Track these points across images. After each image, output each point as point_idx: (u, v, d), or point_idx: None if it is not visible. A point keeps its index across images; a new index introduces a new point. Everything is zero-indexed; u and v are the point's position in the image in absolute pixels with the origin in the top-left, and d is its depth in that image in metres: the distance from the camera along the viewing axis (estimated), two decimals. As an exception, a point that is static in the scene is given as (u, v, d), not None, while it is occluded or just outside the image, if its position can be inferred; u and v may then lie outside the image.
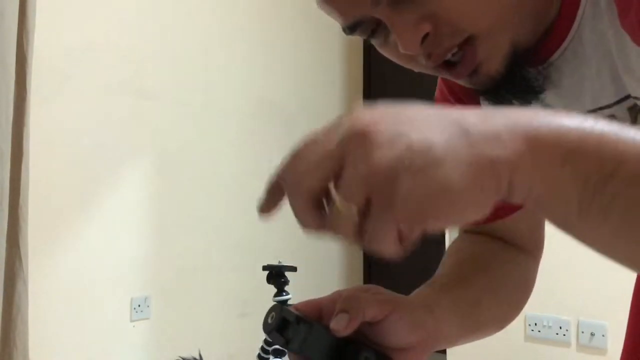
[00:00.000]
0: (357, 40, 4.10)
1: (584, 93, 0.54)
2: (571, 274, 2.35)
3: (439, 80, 0.72)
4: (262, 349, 1.83)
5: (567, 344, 2.42)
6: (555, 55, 0.53)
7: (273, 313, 0.48)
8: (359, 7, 0.51)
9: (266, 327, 0.48)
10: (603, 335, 2.30)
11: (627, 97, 0.51)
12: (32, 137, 2.08)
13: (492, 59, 0.50)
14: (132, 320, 2.59)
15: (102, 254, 2.49)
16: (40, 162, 2.19)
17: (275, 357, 1.77)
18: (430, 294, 0.57)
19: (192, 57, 2.91)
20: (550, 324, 2.46)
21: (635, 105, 0.52)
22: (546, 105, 0.58)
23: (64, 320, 2.35)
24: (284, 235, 3.30)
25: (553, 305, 2.46)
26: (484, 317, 0.60)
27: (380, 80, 3.93)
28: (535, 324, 2.49)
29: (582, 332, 2.37)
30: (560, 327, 2.43)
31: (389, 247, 0.36)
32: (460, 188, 0.34)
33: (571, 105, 0.55)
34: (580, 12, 0.50)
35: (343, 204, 0.35)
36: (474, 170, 0.34)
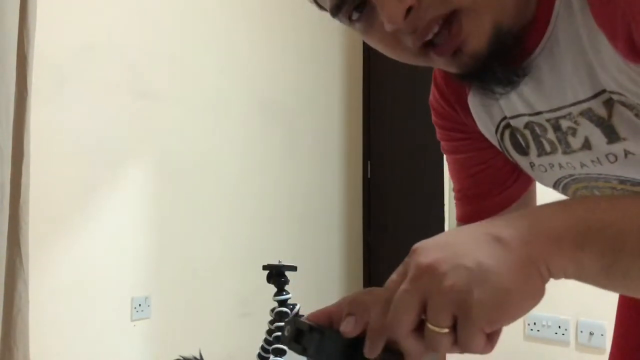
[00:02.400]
0: (358, 41, 4.11)
1: (563, 88, 0.57)
2: (570, 273, 2.35)
3: (432, 87, 0.74)
4: (262, 348, 1.84)
5: (566, 344, 2.43)
6: (535, 53, 0.56)
7: (288, 326, 0.52)
8: None
9: (284, 340, 0.52)
10: (602, 335, 2.31)
11: (603, 91, 0.55)
12: (33, 137, 2.08)
13: (476, 37, 0.51)
14: (132, 320, 2.59)
15: (102, 253, 2.49)
16: (40, 162, 2.20)
17: (276, 356, 1.77)
18: None
19: (193, 57, 2.91)
20: (549, 324, 2.46)
21: (610, 99, 0.55)
22: (530, 100, 0.61)
23: (65, 320, 2.35)
24: (284, 235, 3.30)
25: (552, 304, 2.46)
26: None
27: (379, 80, 3.94)
28: (535, 324, 2.49)
29: (581, 332, 2.38)
30: (560, 327, 2.44)
31: (481, 349, 0.44)
32: (515, 287, 0.43)
33: (553, 99, 0.59)
34: (554, 14, 0.53)
35: (435, 327, 0.43)
36: (519, 270, 0.43)
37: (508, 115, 0.66)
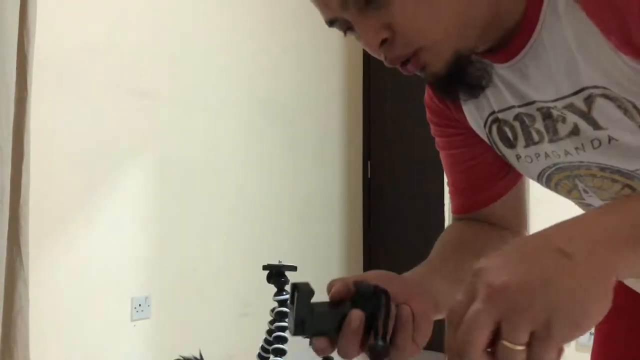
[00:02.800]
0: (358, 43, 4.10)
1: (549, 85, 0.64)
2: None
3: (426, 86, 0.80)
4: (262, 348, 1.83)
5: (566, 344, 2.42)
6: (521, 54, 0.64)
7: (289, 319, 0.59)
8: (332, 9, 0.63)
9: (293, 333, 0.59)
10: (602, 335, 2.30)
11: (583, 89, 0.61)
12: (33, 136, 2.08)
13: (434, 64, 0.62)
14: (132, 320, 2.59)
15: (102, 253, 2.49)
16: (40, 162, 2.20)
17: (276, 357, 1.77)
18: (422, 272, 0.71)
19: (193, 57, 2.91)
20: (549, 324, 2.46)
21: (590, 95, 0.61)
22: (520, 91, 0.67)
23: (65, 320, 2.35)
24: (284, 235, 3.30)
25: (552, 304, 2.46)
26: None
27: (379, 81, 3.93)
28: (535, 324, 2.49)
29: (582, 332, 2.38)
30: (560, 327, 2.44)
31: None
32: (592, 300, 0.44)
33: (540, 93, 0.65)
34: (540, 19, 0.61)
35: (511, 344, 0.45)
36: (593, 283, 0.45)
37: (497, 109, 0.72)
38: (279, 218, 3.30)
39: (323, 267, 3.55)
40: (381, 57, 0.65)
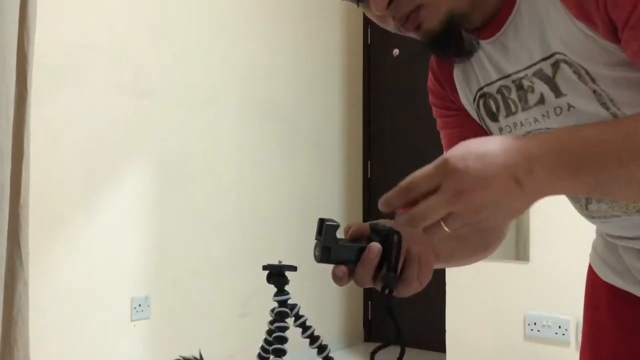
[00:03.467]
0: (358, 41, 4.11)
1: (523, 53, 0.73)
2: (570, 273, 2.35)
3: (429, 73, 0.92)
4: (262, 348, 1.83)
5: (566, 344, 2.43)
6: (504, 27, 0.74)
7: (315, 248, 0.67)
8: None
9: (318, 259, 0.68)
10: (602, 335, 2.30)
11: (552, 55, 0.70)
12: (33, 136, 2.08)
13: (430, 21, 0.71)
14: (132, 320, 2.59)
15: (102, 253, 2.49)
16: (40, 162, 2.20)
17: (276, 357, 1.77)
18: None
19: (193, 57, 2.91)
20: (549, 324, 2.46)
21: (557, 61, 0.70)
22: (500, 65, 0.77)
23: (65, 320, 2.35)
24: (284, 235, 3.30)
25: (552, 304, 2.46)
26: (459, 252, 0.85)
27: (379, 80, 3.93)
28: (535, 324, 2.49)
29: (582, 332, 2.37)
30: (560, 327, 2.44)
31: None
32: (518, 215, 0.63)
33: (517, 64, 0.75)
34: (518, 1, 0.71)
35: (446, 227, 0.61)
36: (529, 206, 0.62)
37: (483, 83, 0.81)
38: (279, 218, 3.30)
39: (323, 267, 3.54)
40: (388, 23, 0.74)
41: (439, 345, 2.85)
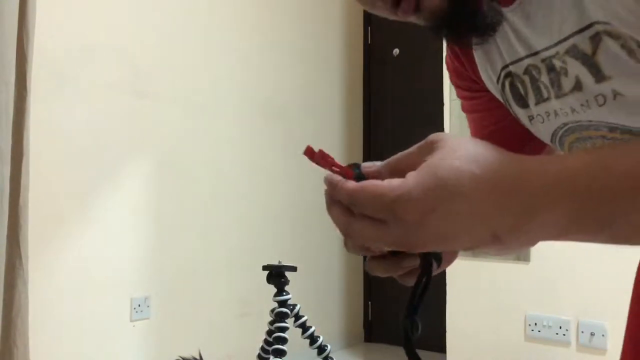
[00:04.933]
0: (358, 42, 4.11)
1: (553, 24, 0.58)
2: (571, 274, 2.35)
3: (447, 50, 0.79)
4: (262, 348, 1.83)
5: (567, 344, 2.42)
6: None
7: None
8: None
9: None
10: (603, 335, 2.30)
11: (590, 25, 0.54)
12: (32, 136, 2.08)
13: None
14: (132, 320, 2.59)
15: (102, 253, 2.49)
16: (40, 162, 2.20)
17: (275, 357, 1.77)
18: None
19: (192, 57, 2.91)
20: (550, 324, 2.46)
21: (597, 33, 0.54)
22: (528, 40, 0.62)
23: (64, 320, 2.35)
24: (284, 235, 3.30)
25: (553, 305, 2.46)
26: None
27: (379, 81, 3.93)
28: (536, 324, 2.49)
29: (582, 332, 2.37)
30: (560, 327, 2.43)
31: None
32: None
33: (544, 37, 0.60)
34: None
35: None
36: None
37: (508, 61, 0.66)
38: (279, 218, 3.29)
39: (323, 267, 3.55)
40: (378, 7, 0.61)
41: (439, 346, 2.84)
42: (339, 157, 3.76)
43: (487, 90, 0.73)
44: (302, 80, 3.52)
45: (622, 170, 0.41)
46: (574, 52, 0.57)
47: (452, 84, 0.80)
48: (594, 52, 0.55)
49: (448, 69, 0.79)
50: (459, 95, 0.80)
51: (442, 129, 2.64)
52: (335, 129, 3.76)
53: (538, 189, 0.42)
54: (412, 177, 0.43)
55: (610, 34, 0.53)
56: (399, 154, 0.49)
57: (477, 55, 0.70)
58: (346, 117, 3.84)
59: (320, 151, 0.50)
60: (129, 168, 2.61)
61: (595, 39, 0.55)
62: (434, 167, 0.43)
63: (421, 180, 0.42)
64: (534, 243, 0.45)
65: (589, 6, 0.53)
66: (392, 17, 0.62)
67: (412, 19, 0.60)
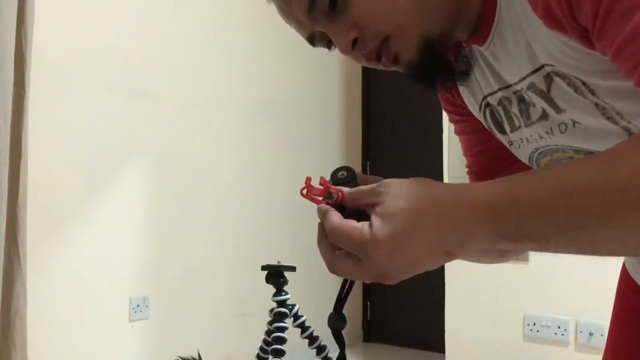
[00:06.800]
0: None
1: (513, 64, 0.65)
2: (569, 274, 2.35)
3: None
4: (261, 348, 1.83)
5: (565, 344, 2.42)
6: (491, 34, 0.65)
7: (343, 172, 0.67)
8: (304, 25, 0.69)
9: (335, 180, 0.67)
10: (602, 335, 2.30)
11: (541, 67, 0.61)
12: (31, 136, 2.08)
13: (405, 51, 0.64)
14: (130, 320, 2.59)
15: (100, 254, 2.49)
16: (39, 162, 2.19)
17: (274, 357, 1.77)
18: None
19: (192, 57, 2.90)
20: (548, 324, 2.46)
21: (548, 74, 0.61)
22: (500, 74, 0.68)
23: (63, 320, 2.34)
24: (283, 235, 3.30)
25: (552, 305, 2.46)
26: None
27: (379, 80, 3.93)
28: (534, 324, 2.49)
29: (581, 332, 2.37)
30: (559, 327, 2.43)
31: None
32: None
33: (510, 75, 0.67)
34: (498, 5, 0.62)
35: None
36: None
37: (486, 92, 0.73)
38: (279, 218, 3.29)
39: (322, 267, 3.53)
40: (359, 61, 0.68)
41: (439, 346, 2.84)
42: (339, 157, 3.77)
43: (472, 115, 0.81)
44: (301, 80, 3.52)
45: (524, 196, 0.51)
46: (533, 89, 0.65)
47: (444, 110, 0.87)
48: (549, 89, 0.63)
49: (439, 97, 0.86)
50: (450, 120, 0.87)
51: (440, 124, 2.64)
52: (335, 128, 3.76)
53: (469, 213, 0.52)
54: (377, 223, 0.53)
55: (557, 74, 0.61)
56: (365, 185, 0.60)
57: (461, 88, 0.78)
58: (346, 116, 3.84)
59: (308, 185, 0.61)
60: (128, 168, 2.61)
61: (548, 78, 0.62)
62: (390, 215, 0.53)
63: (383, 227, 0.53)
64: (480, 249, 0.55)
65: (537, 50, 0.61)
66: (378, 68, 0.69)
67: (394, 68, 0.67)
